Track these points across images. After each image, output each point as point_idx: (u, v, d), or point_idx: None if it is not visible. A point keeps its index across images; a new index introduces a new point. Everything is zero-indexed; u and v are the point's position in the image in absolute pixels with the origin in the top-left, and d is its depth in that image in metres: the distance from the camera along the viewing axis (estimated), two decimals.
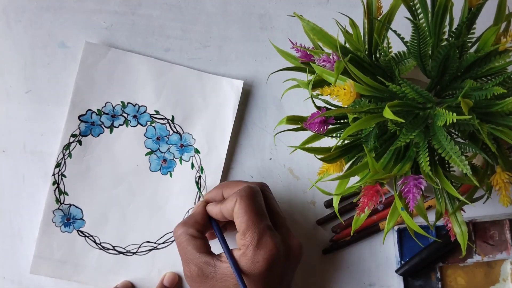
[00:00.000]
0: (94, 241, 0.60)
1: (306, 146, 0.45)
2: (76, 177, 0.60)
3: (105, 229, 0.60)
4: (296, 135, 0.49)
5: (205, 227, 0.54)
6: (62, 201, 0.59)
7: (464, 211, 0.46)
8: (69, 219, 0.59)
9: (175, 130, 0.60)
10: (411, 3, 0.44)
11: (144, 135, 0.60)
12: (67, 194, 0.59)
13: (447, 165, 0.45)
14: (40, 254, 0.59)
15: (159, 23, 0.62)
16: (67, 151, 0.59)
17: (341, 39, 0.45)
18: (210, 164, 0.60)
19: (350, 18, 0.46)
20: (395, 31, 0.43)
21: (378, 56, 0.45)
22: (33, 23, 0.61)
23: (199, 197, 0.60)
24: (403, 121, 0.37)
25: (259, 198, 0.51)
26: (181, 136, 0.60)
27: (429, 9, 0.44)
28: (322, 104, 0.46)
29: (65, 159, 0.59)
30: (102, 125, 0.60)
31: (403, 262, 0.60)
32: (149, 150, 0.60)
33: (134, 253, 0.60)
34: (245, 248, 0.49)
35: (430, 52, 0.44)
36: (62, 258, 0.59)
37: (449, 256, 0.60)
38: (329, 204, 0.61)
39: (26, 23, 0.61)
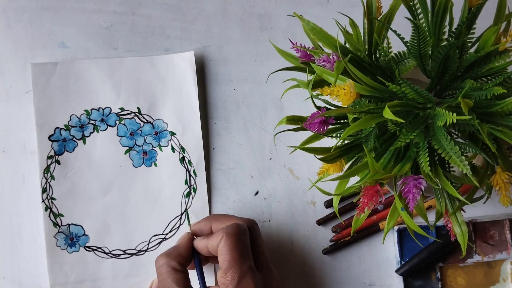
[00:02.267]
0: (104, 252, 0.59)
1: (306, 146, 0.45)
2: (66, 196, 0.59)
3: (110, 237, 0.60)
4: (296, 135, 0.49)
5: (188, 260, 0.53)
6: (60, 224, 0.59)
7: (464, 211, 0.46)
8: (72, 238, 0.59)
9: (145, 121, 0.60)
10: (411, 3, 0.44)
11: (117, 135, 0.60)
12: (62, 215, 0.59)
13: (447, 165, 0.45)
14: (55, 281, 0.58)
15: (159, 23, 0.62)
16: (48, 174, 0.59)
17: (341, 39, 0.45)
18: (189, 142, 0.60)
19: (350, 18, 0.46)
20: (395, 31, 0.43)
21: (378, 56, 0.45)
22: (33, 23, 0.61)
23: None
24: (403, 121, 0.37)
25: (245, 237, 0.51)
26: (153, 124, 0.60)
27: (429, 9, 0.44)
28: (322, 104, 0.46)
29: (49, 182, 0.59)
30: (74, 139, 0.60)
31: (403, 262, 0.60)
32: (127, 148, 0.60)
33: (145, 250, 0.60)
34: (224, 287, 0.49)
35: (430, 52, 0.44)
36: (78, 278, 0.59)
37: (449, 256, 0.60)
38: (329, 204, 0.61)
39: (26, 23, 0.61)
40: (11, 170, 0.60)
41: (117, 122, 0.60)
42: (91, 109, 0.60)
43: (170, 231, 0.60)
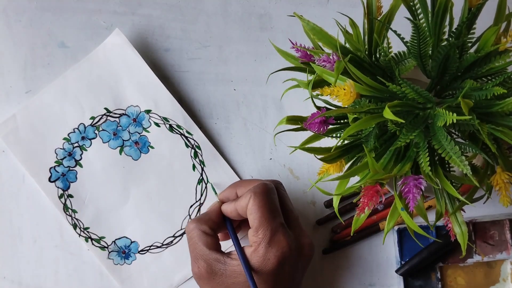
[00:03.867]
0: (158, 247, 0.60)
1: (306, 146, 0.45)
2: (95, 220, 0.60)
3: (155, 232, 0.60)
4: (296, 135, 0.49)
5: (218, 226, 0.54)
6: (106, 245, 0.60)
7: (464, 211, 0.46)
8: (124, 251, 0.60)
9: (118, 115, 0.60)
10: (411, 3, 0.44)
11: (103, 142, 0.60)
12: (103, 237, 0.60)
13: (447, 165, 0.45)
14: None
15: (159, 23, 0.62)
16: (69, 210, 0.59)
17: (341, 39, 0.45)
18: (167, 110, 0.60)
19: (350, 18, 0.46)
20: (395, 31, 0.43)
21: (378, 56, 0.45)
22: (33, 23, 0.61)
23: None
24: (403, 121, 0.37)
25: (273, 196, 0.51)
26: (126, 113, 0.60)
27: (429, 9, 0.44)
28: (322, 104, 0.46)
29: (74, 218, 0.60)
30: (70, 168, 0.60)
31: (403, 262, 0.60)
32: (119, 148, 0.60)
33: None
34: (256, 245, 0.49)
35: (430, 52, 0.44)
36: (150, 280, 0.60)
37: (449, 256, 0.60)
38: (329, 204, 0.61)
39: (26, 23, 0.61)
40: (11, 170, 0.60)
41: (96, 132, 0.60)
42: (68, 134, 0.60)
43: (201, 195, 0.61)
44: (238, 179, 0.61)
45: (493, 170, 0.44)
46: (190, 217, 0.60)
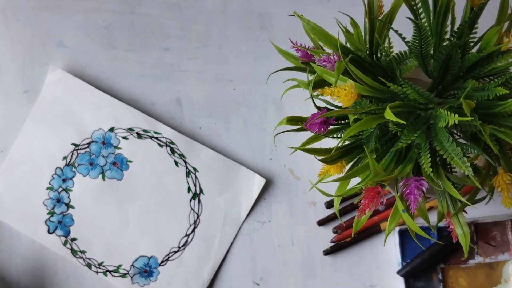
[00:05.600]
0: (175, 251, 0.60)
1: (307, 147, 0.45)
2: (107, 253, 0.60)
3: (166, 239, 0.60)
4: (296, 135, 0.49)
5: None
6: (126, 271, 0.60)
7: (466, 212, 0.46)
8: (146, 270, 0.60)
9: (86, 145, 0.60)
10: (412, 3, 0.43)
11: (84, 175, 0.60)
12: (120, 265, 0.60)
13: (448, 166, 0.45)
14: None
15: (158, 22, 0.62)
16: (78, 253, 0.60)
17: (342, 39, 0.44)
18: (128, 120, 0.60)
19: (351, 18, 0.45)
20: (396, 31, 0.43)
21: (379, 56, 0.45)
22: (31, 22, 0.61)
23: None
24: (404, 122, 0.37)
25: None
26: (93, 140, 0.60)
27: (431, 8, 0.44)
28: (322, 105, 0.46)
29: (86, 258, 0.60)
30: (63, 213, 0.60)
31: (404, 263, 0.59)
32: (100, 174, 0.60)
33: (198, 216, 0.61)
34: None
35: (431, 52, 0.44)
36: (182, 285, 0.60)
37: (451, 257, 0.60)
38: (329, 205, 0.61)
39: (24, 23, 0.61)
40: None
41: (74, 169, 0.60)
42: (49, 182, 0.60)
43: (195, 186, 0.60)
44: (222, 157, 0.60)
45: (495, 171, 0.44)
46: (193, 211, 0.60)
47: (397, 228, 0.59)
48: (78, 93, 0.60)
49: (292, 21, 0.62)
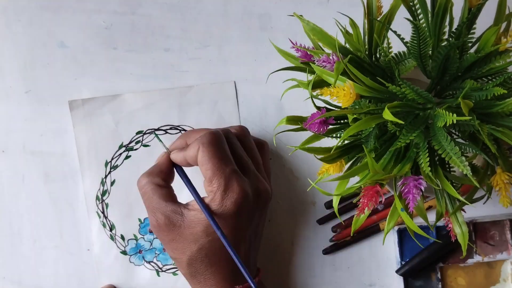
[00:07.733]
0: None
1: (306, 146, 0.45)
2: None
3: None
4: (296, 135, 0.49)
5: (170, 176, 0.53)
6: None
7: (464, 211, 0.46)
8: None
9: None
10: (411, 4, 0.44)
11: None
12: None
13: (447, 166, 0.45)
14: None
15: (159, 23, 0.62)
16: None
17: (341, 39, 0.45)
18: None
19: (350, 18, 0.45)
20: (395, 32, 0.43)
21: (378, 56, 0.45)
22: (32, 23, 0.61)
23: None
24: (402, 122, 0.37)
25: (222, 143, 0.51)
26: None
27: (429, 9, 0.44)
28: (322, 104, 0.46)
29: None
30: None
31: (403, 262, 0.60)
32: None
33: None
34: (213, 194, 0.49)
35: (430, 52, 0.44)
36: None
37: (450, 256, 0.60)
38: (329, 205, 0.61)
39: (25, 23, 0.61)
40: (11, 170, 0.60)
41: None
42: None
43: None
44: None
45: (493, 171, 0.44)
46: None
47: (396, 227, 0.59)
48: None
49: (292, 21, 0.62)
